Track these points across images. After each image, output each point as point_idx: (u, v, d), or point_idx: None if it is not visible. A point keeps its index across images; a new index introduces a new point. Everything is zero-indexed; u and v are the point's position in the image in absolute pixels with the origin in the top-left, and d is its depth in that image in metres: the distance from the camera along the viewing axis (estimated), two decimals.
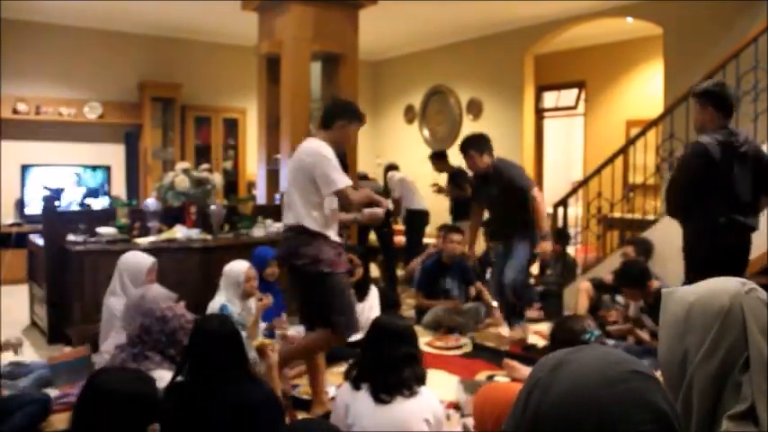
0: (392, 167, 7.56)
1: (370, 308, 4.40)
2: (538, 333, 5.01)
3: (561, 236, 5.89)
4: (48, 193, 5.38)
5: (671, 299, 1.22)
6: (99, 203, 5.55)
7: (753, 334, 1.10)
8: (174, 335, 2.80)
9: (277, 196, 5.97)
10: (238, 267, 3.99)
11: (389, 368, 2.44)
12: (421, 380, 2.47)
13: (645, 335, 4.28)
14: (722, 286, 1.17)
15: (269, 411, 2.36)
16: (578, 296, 5.04)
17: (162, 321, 2.83)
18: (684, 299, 1.19)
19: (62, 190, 5.74)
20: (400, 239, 7.16)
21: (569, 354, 0.89)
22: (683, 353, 1.16)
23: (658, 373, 1.16)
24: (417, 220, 7.03)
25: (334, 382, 3.61)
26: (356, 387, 2.49)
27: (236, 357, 2.42)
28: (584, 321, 2.37)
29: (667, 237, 4.42)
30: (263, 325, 4.13)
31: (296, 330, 4.44)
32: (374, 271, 5.97)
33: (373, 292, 4.54)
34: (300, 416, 3.27)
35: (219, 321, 2.54)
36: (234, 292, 3.95)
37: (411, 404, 2.41)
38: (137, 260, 3.94)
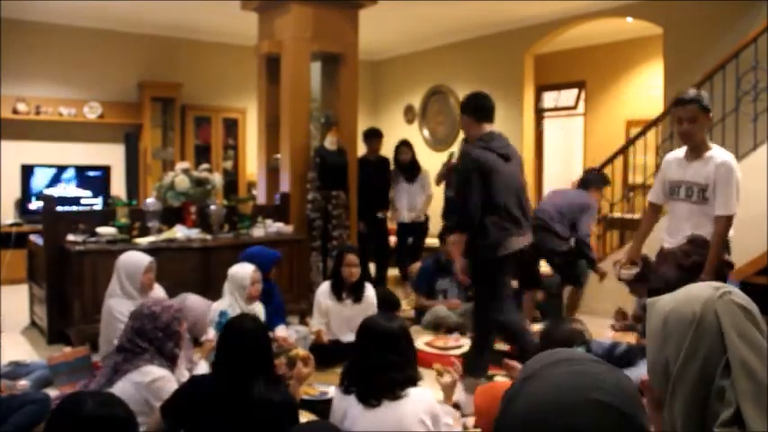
0: None
1: (368, 308, 4.39)
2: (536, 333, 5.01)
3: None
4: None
5: (653, 309, 1.21)
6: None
7: (730, 338, 1.09)
8: (169, 327, 2.82)
9: (277, 196, 5.97)
10: (244, 271, 3.97)
11: (373, 371, 2.42)
12: (404, 384, 2.41)
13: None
14: (695, 293, 1.16)
15: (286, 415, 2.39)
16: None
17: (153, 318, 2.83)
18: (662, 309, 1.18)
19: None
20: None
21: (544, 367, 0.87)
22: (664, 363, 1.15)
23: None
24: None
25: (335, 381, 3.60)
26: (347, 391, 2.47)
27: (265, 357, 2.48)
28: (577, 325, 2.35)
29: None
30: None
31: (294, 330, 4.45)
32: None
33: (370, 293, 4.52)
34: (299, 415, 3.26)
35: (253, 320, 2.60)
36: (239, 295, 3.95)
37: (403, 406, 2.37)
38: (133, 260, 3.94)
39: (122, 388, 2.66)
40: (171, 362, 2.86)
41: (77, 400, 1.70)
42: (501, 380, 3.75)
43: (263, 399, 2.34)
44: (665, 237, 3.51)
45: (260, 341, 2.49)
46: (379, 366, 2.41)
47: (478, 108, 3.83)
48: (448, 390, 3.00)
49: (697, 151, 3.38)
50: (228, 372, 2.41)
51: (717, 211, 3.33)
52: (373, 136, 6.74)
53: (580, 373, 0.84)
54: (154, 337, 2.79)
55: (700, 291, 1.16)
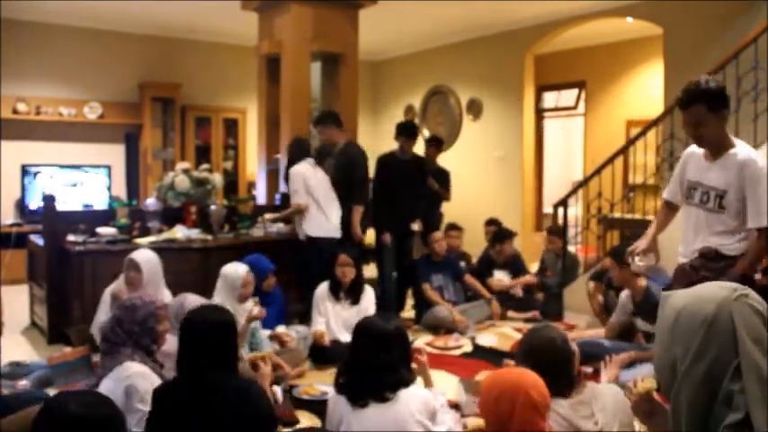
0: None
1: (365, 310, 4.39)
2: None
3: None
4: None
5: (666, 304, 1.20)
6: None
7: (743, 342, 1.07)
8: (145, 323, 2.78)
9: (277, 196, 5.97)
10: (236, 272, 3.95)
11: (364, 372, 2.40)
12: (394, 386, 2.38)
13: (641, 339, 4.18)
14: (711, 293, 1.15)
15: (258, 406, 2.24)
16: (590, 301, 4.94)
17: (131, 311, 2.80)
18: (675, 305, 1.17)
19: None
20: None
21: None
22: (672, 360, 1.14)
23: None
24: None
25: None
26: (340, 391, 2.46)
27: (231, 346, 2.33)
28: (561, 332, 2.30)
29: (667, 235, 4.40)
30: (266, 332, 4.12)
31: (294, 330, 4.45)
32: (373, 272, 5.93)
33: (368, 294, 4.51)
34: (299, 415, 3.27)
35: (214, 308, 2.47)
36: (231, 294, 3.93)
37: (397, 407, 2.34)
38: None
39: (107, 386, 2.62)
40: (150, 357, 2.80)
41: (60, 402, 1.65)
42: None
43: (241, 390, 2.21)
44: (680, 249, 2.97)
45: (226, 331, 2.31)
46: (371, 367, 2.39)
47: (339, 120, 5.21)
48: (422, 374, 2.98)
49: (718, 150, 2.74)
50: (192, 367, 2.23)
51: (751, 223, 2.69)
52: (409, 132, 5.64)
53: None
54: (130, 331, 2.77)
55: (716, 290, 1.15)
